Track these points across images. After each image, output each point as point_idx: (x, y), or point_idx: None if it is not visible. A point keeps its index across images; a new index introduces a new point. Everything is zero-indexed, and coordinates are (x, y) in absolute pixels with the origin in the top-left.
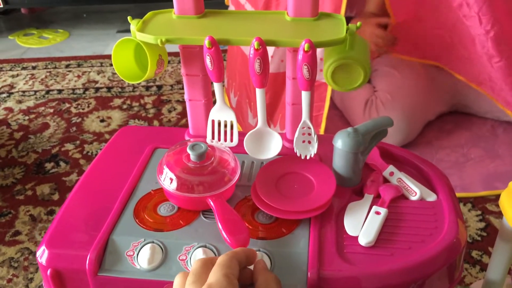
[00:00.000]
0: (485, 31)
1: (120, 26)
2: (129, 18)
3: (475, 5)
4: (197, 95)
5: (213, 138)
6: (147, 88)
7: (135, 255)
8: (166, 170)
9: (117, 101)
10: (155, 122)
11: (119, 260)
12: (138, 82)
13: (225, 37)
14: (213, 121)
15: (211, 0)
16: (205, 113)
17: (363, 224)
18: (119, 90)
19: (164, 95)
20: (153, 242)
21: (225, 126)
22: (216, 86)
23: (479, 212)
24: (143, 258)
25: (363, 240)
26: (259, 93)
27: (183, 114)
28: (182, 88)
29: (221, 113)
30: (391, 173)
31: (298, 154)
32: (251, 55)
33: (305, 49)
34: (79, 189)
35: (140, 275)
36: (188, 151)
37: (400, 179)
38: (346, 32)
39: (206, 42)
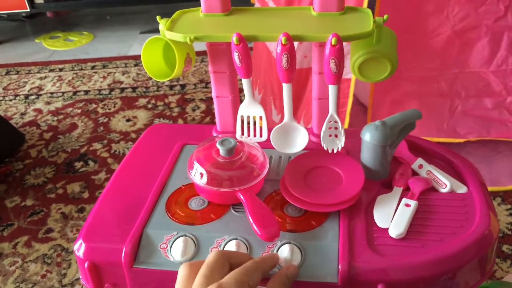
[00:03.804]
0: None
1: (143, 27)
2: (158, 17)
3: None
4: (224, 91)
5: (242, 133)
6: (171, 87)
7: (169, 247)
8: (196, 165)
9: (142, 101)
10: (180, 121)
11: (153, 252)
12: (166, 80)
13: (252, 34)
14: (242, 117)
15: None
16: (232, 109)
17: (393, 216)
18: (144, 90)
19: (187, 94)
20: (185, 235)
21: (254, 121)
22: (245, 82)
23: (509, 206)
24: (176, 251)
25: (394, 232)
26: (286, 88)
27: (207, 112)
28: (205, 87)
29: (250, 108)
30: (420, 166)
31: (325, 148)
32: (278, 51)
33: (332, 43)
34: (112, 185)
35: (173, 267)
36: (218, 146)
37: (429, 172)
38: (373, 25)
39: (234, 39)
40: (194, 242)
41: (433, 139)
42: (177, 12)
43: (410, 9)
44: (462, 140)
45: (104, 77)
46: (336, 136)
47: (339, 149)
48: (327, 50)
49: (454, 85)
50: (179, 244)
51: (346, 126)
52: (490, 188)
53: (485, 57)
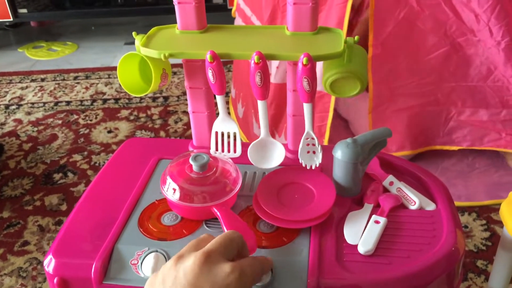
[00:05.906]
0: (496, 42)
1: (128, 38)
2: (133, 33)
3: (484, 16)
4: (200, 107)
5: (216, 149)
6: (154, 99)
7: (139, 263)
8: (169, 180)
9: (124, 112)
10: (162, 133)
11: (123, 268)
12: (142, 95)
13: (226, 52)
14: (216, 133)
15: (219, 12)
16: (208, 124)
17: (362, 233)
18: (126, 101)
19: (170, 106)
20: (156, 251)
21: (228, 137)
22: (219, 99)
23: (484, 222)
24: (147, 267)
25: (362, 249)
26: (260, 104)
27: (189, 125)
28: None
29: (224, 124)
30: (391, 183)
31: (303, 165)
32: (251, 69)
33: (304, 62)
34: (85, 199)
35: (144, 283)
36: (191, 162)
37: (399, 189)
38: (344, 45)
39: (208, 57)
40: (166, 258)
41: (428, 148)
42: (153, 28)
43: (405, 27)
44: (456, 148)
45: (86, 88)
46: (313, 152)
47: (317, 165)
48: (299, 69)
49: (450, 96)
50: (150, 260)
51: (326, 139)
52: (465, 204)
53: (482, 72)
